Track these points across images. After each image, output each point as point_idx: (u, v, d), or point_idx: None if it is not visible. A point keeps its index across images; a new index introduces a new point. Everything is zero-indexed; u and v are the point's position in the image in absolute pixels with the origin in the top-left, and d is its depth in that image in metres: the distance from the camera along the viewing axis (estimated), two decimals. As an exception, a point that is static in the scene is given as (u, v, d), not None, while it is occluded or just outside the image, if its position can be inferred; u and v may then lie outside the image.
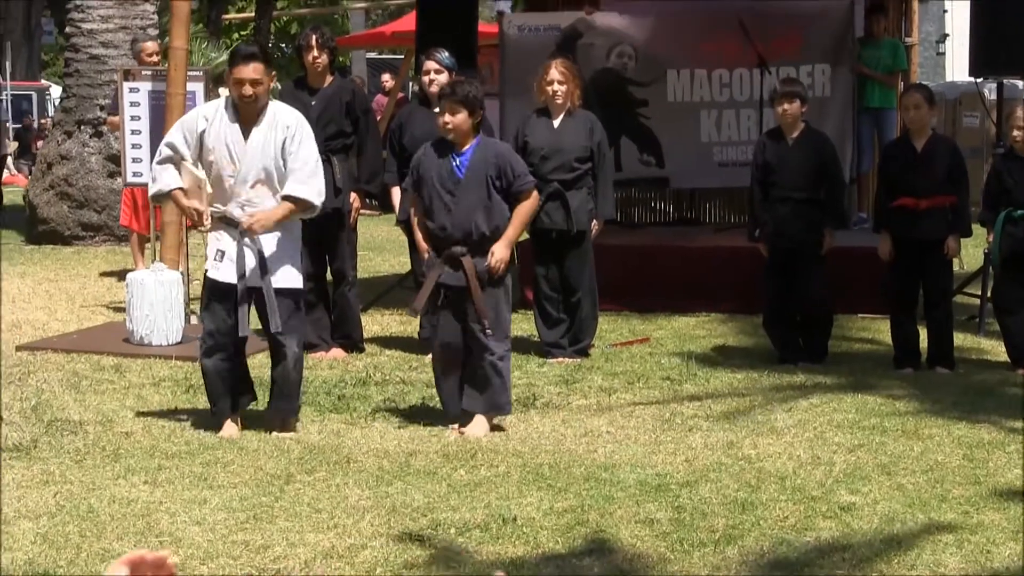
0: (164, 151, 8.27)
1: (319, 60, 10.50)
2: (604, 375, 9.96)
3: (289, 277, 8.17)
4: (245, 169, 8.06)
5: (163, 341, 10.56)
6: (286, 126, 8.08)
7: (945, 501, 6.92)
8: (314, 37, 10.52)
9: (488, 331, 8.15)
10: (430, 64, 10.53)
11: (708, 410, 8.87)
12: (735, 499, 6.91)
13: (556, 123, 10.55)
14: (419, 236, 8.48)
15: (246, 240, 8.07)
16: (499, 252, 8.24)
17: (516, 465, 7.50)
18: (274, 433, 8.14)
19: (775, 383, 9.70)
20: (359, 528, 6.47)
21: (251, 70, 8.00)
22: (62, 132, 17.59)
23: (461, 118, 8.15)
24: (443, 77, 10.38)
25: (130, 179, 11.87)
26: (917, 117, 10.13)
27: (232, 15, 34.90)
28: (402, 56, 26.40)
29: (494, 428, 8.30)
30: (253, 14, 30.02)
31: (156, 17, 18.08)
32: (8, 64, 31.93)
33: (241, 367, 8.37)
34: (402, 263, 14.12)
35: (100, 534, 6.35)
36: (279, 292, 8.10)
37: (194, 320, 11.29)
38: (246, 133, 8.07)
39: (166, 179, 8.24)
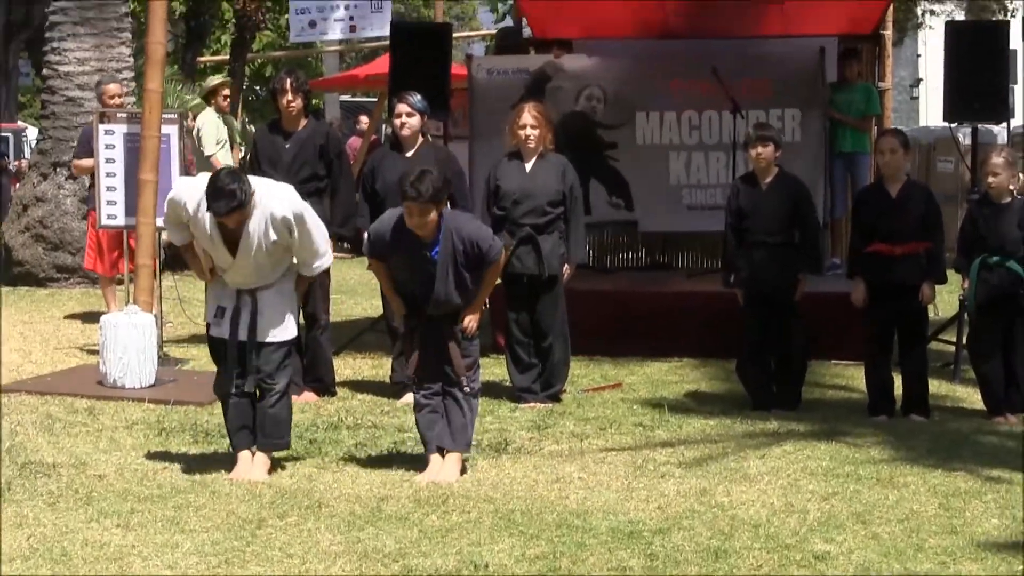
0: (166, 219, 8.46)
1: (293, 104, 10.52)
2: (576, 420, 9.93)
3: (285, 331, 8.31)
4: (239, 263, 8.12)
5: (136, 384, 10.53)
6: (275, 225, 8.00)
7: (921, 551, 6.89)
8: (288, 81, 10.53)
9: (467, 389, 8.25)
10: (401, 107, 10.54)
11: (681, 457, 8.84)
12: (708, 547, 6.89)
13: (528, 167, 10.52)
14: (392, 297, 8.52)
15: (244, 299, 8.19)
16: (471, 314, 8.31)
17: (488, 511, 7.47)
18: (248, 478, 8.11)
19: (748, 430, 9.67)
20: (330, 573, 6.45)
21: (234, 219, 7.94)
22: (38, 174, 17.52)
23: (432, 217, 8.06)
24: (415, 120, 10.43)
25: (104, 221, 11.86)
26: (892, 161, 10.12)
27: (207, 58, 34.81)
28: (375, 99, 26.42)
29: (462, 472, 8.28)
30: (228, 57, 30.01)
31: (132, 60, 18.03)
32: (-15, 106, 31.87)
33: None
34: (374, 306, 14.10)
35: (70, 580, 6.32)
36: (276, 345, 8.24)
37: (167, 364, 11.30)
38: (233, 250, 8.06)
39: (175, 236, 8.40)
